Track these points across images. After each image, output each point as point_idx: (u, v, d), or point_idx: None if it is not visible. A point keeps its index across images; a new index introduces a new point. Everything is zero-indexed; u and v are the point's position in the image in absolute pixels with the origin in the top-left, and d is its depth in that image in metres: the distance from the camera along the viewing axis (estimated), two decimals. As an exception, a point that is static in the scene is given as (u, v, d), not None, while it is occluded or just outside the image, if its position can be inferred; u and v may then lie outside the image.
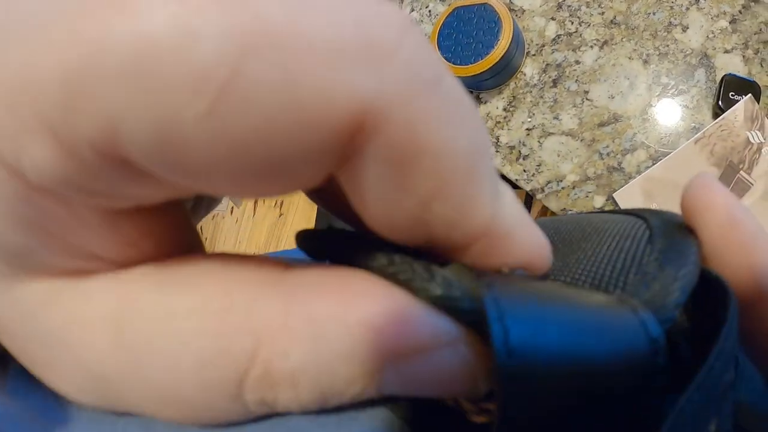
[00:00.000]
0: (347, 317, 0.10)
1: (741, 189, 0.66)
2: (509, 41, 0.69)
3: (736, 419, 0.14)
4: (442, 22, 0.74)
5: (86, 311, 0.10)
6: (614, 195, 0.69)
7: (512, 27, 0.69)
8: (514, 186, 0.74)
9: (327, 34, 0.08)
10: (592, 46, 0.75)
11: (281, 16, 0.07)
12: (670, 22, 0.75)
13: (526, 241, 0.11)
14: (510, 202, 0.11)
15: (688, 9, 0.75)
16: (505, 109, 0.76)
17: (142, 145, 0.08)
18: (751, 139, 0.66)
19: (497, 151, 0.73)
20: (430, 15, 0.84)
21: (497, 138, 0.74)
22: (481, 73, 0.70)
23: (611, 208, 0.70)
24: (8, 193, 0.09)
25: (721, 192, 0.14)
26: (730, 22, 0.73)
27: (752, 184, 0.66)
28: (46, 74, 0.07)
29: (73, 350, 0.10)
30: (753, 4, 0.74)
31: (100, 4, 0.07)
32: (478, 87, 0.76)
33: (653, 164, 0.68)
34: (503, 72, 0.72)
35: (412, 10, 0.85)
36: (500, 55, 0.69)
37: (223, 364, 0.09)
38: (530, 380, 0.10)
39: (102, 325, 0.10)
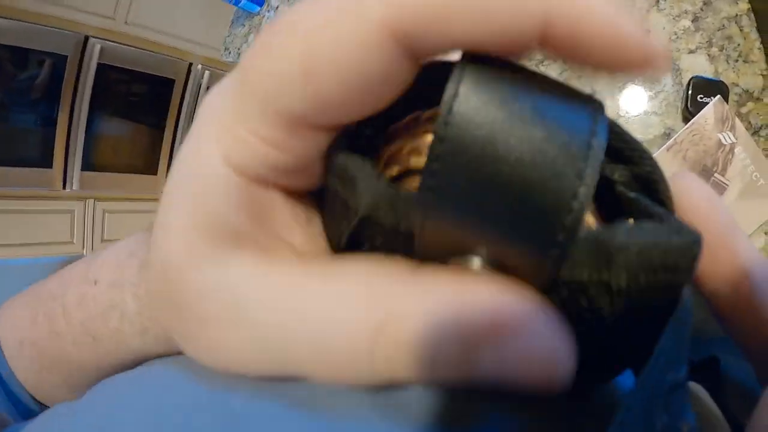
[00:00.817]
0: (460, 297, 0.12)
1: (717, 191, 0.65)
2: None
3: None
4: None
5: (270, 288, 0.13)
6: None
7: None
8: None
9: None
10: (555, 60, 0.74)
11: None
12: (632, 27, 0.74)
13: None
14: None
15: (648, 12, 0.74)
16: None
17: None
18: (723, 141, 0.65)
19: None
20: None
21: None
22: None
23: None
24: (233, 186, 0.13)
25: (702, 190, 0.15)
26: (692, 21, 0.72)
27: (727, 185, 0.65)
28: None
29: (258, 318, 0.13)
30: (714, 0, 0.73)
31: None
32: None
33: (627, 175, 0.67)
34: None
35: None
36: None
37: (362, 329, 0.12)
38: (469, 141, 0.10)
39: (281, 298, 0.13)
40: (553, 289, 0.12)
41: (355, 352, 0.12)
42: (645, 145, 0.15)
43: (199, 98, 2.35)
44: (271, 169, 0.14)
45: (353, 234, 0.14)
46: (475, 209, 0.11)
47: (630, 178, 0.14)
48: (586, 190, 0.10)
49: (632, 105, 0.72)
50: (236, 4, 1.09)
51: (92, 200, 2.17)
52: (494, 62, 0.11)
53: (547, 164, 0.10)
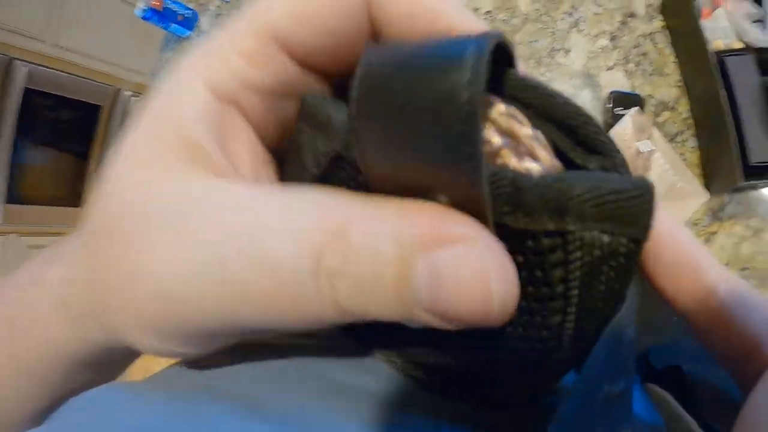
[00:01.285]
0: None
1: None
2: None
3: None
4: None
5: (226, 199, 0.14)
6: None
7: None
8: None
9: None
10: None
11: None
12: (553, 48, 0.80)
13: None
14: None
15: (568, 32, 0.79)
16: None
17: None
18: (642, 149, 0.69)
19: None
20: None
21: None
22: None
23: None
24: (205, 105, 0.15)
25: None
26: (610, 40, 0.78)
27: (648, 191, 0.69)
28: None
29: (207, 231, 0.13)
30: (630, 19, 0.79)
31: None
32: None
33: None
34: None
35: None
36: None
37: (301, 252, 0.12)
38: (379, 81, 0.12)
39: (236, 209, 0.13)
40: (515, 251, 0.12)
41: (301, 272, 0.12)
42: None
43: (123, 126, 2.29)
44: (243, 84, 0.15)
45: (322, 178, 0.15)
46: (392, 127, 0.12)
47: (602, 168, 0.15)
48: (471, 77, 0.11)
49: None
50: (166, 28, 1.08)
51: (15, 235, 2.07)
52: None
53: (432, 75, 0.11)
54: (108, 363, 0.20)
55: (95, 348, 0.18)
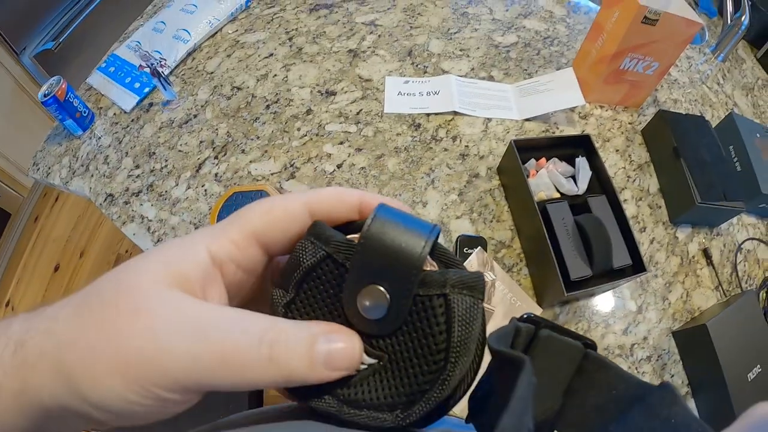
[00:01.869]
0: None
1: (487, 316, 0.77)
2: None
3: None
4: (221, 205, 0.86)
5: (202, 308, 0.23)
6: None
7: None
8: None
9: None
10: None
11: None
12: (414, 200, 0.93)
13: None
14: None
15: (426, 189, 0.94)
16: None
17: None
18: (486, 279, 0.79)
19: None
20: (206, 194, 0.95)
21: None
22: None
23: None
24: (202, 262, 0.24)
25: None
26: (458, 195, 0.92)
27: (494, 311, 0.78)
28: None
29: (177, 324, 0.22)
30: (474, 179, 0.94)
31: None
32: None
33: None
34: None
35: (188, 187, 0.96)
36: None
37: (251, 336, 0.22)
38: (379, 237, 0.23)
39: (196, 314, 0.22)
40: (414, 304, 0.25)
41: (251, 346, 0.22)
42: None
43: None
44: (228, 258, 0.25)
45: (311, 269, 0.25)
46: (383, 248, 0.24)
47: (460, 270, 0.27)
48: (427, 249, 0.23)
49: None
50: (62, 120, 1.04)
51: None
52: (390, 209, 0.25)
53: (409, 245, 0.24)
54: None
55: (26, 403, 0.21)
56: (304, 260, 0.25)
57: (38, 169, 1.06)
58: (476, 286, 0.24)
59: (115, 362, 0.21)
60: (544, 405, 0.33)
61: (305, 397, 0.25)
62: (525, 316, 0.36)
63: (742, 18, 1.24)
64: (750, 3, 1.22)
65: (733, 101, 1.24)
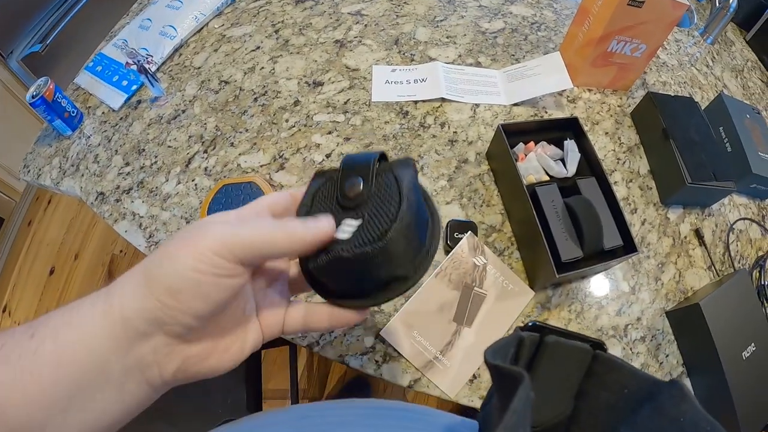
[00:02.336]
0: None
1: (479, 300, 0.78)
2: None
3: None
4: (211, 198, 0.87)
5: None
6: (381, 333, 0.77)
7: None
8: (289, 342, 0.80)
9: None
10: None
11: None
12: (403, 189, 0.92)
13: None
14: None
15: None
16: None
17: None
18: (477, 263, 0.80)
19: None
20: (196, 188, 0.95)
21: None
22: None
23: (382, 348, 0.77)
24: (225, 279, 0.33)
25: None
26: (447, 180, 0.93)
27: (486, 294, 0.79)
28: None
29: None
30: (463, 164, 0.95)
31: None
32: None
33: (406, 301, 0.79)
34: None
35: (179, 182, 0.96)
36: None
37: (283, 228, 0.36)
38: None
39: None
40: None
41: (280, 231, 0.34)
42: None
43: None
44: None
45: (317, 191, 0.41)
46: (352, 167, 0.40)
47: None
48: (376, 155, 0.40)
49: (404, 242, 0.86)
50: (51, 121, 1.05)
51: None
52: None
53: (366, 156, 0.40)
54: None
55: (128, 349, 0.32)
56: (313, 187, 0.41)
57: (29, 171, 1.07)
58: (407, 162, 0.40)
59: (184, 242, 0.31)
60: (556, 410, 0.34)
61: (323, 256, 0.37)
62: (530, 323, 0.38)
63: (730, 1, 1.25)
64: (738, -16, 1.23)
65: (723, 83, 1.25)
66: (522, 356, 0.36)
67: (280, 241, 0.34)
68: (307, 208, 0.40)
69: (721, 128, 1.05)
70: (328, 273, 0.38)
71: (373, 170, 0.38)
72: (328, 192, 0.40)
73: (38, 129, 1.08)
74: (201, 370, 0.35)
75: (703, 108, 1.06)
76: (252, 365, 1.17)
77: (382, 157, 0.40)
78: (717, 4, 1.30)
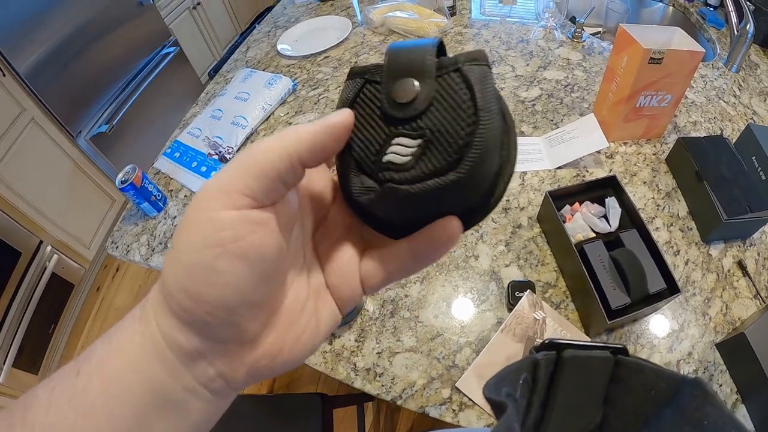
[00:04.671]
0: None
1: (542, 356, 0.93)
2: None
3: None
4: None
5: None
6: (456, 384, 0.92)
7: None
8: (375, 398, 0.95)
9: None
10: (415, 282, 1.06)
11: None
12: (466, 255, 1.09)
13: None
14: None
15: (476, 243, 1.10)
16: (356, 340, 1.00)
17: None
18: (537, 317, 0.96)
19: (356, 374, 0.95)
20: None
21: (354, 364, 0.97)
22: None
23: (458, 398, 0.92)
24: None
25: None
26: (505, 245, 1.09)
27: (547, 350, 0.93)
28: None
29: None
30: (517, 229, 1.11)
31: None
32: (342, 330, 1.03)
33: (477, 355, 0.94)
34: (352, 312, 1.01)
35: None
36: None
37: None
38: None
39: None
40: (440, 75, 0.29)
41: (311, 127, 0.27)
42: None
43: (40, 281, 2.23)
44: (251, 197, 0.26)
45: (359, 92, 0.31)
46: (403, 58, 0.30)
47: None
48: (435, 44, 0.30)
49: (467, 310, 1.03)
50: (139, 204, 1.21)
51: None
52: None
53: (421, 46, 0.30)
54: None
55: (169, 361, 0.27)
56: (349, 92, 0.31)
57: (117, 247, 1.24)
58: (480, 57, 0.28)
59: (179, 230, 0.27)
60: (586, 419, 0.35)
61: (373, 190, 0.30)
62: (546, 341, 0.38)
63: (747, 27, 1.35)
64: (752, 9, 1.31)
65: (752, 110, 1.35)
66: (540, 377, 0.36)
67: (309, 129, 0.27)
68: None
69: (753, 158, 1.12)
70: (386, 207, 0.30)
71: (433, 65, 0.28)
72: (370, 99, 0.30)
73: (106, 203, 1.22)
74: (274, 368, 0.30)
75: (733, 141, 1.16)
76: (327, 428, 1.28)
77: (440, 48, 0.31)
78: (735, 32, 1.40)
